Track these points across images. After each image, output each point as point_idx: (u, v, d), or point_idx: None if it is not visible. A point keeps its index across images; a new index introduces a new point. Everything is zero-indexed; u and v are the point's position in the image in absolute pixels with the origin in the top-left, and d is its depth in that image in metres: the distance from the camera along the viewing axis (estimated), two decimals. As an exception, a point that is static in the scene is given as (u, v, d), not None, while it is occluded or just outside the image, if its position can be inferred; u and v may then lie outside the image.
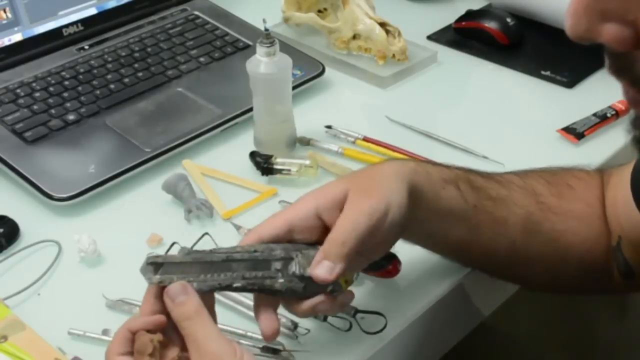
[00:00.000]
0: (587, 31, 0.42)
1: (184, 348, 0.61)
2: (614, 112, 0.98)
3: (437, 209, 0.71)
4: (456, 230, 0.74)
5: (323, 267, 0.63)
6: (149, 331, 0.60)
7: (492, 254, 0.76)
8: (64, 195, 0.86)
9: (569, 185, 0.76)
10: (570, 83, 1.07)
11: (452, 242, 0.76)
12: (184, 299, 0.60)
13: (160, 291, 0.61)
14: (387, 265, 0.75)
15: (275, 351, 0.70)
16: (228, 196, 0.88)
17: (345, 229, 0.64)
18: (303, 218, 0.66)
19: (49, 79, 1.02)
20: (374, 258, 0.70)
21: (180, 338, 0.61)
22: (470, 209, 0.72)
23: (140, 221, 0.86)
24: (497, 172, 0.76)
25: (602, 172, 0.79)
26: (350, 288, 0.75)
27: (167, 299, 0.60)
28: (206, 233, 0.81)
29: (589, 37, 0.42)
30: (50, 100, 0.99)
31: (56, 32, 1.08)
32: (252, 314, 0.73)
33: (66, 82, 1.02)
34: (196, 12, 1.17)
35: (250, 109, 0.94)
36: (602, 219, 0.76)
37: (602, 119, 0.98)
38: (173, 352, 0.60)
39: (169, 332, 0.62)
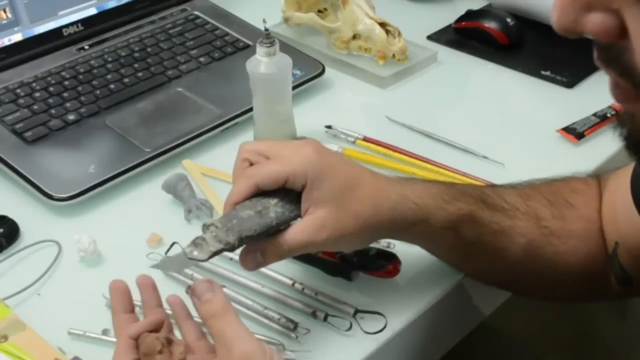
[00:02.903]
0: (573, 23, 0.41)
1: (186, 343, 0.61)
2: (614, 112, 0.98)
3: (427, 244, 0.74)
4: (448, 257, 0.76)
5: (253, 259, 0.66)
6: (151, 332, 0.60)
7: (487, 274, 0.77)
8: (64, 195, 0.86)
9: (569, 202, 0.76)
10: (570, 83, 1.07)
11: (444, 260, 0.77)
12: (210, 297, 0.59)
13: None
14: (387, 265, 0.75)
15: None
16: (228, 196, 0.88)
17: (297, 247, 0.66)
18: (297, 181, 0.67)
19: (49, 79, 1.02)
20: None
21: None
22: (467, 245, 0.72)
23: (140, 221, 0.86)
24: (503, 190, 0.75)
25: (599, 178, 0.79)
26: (350, 288, 0.76)
27: (194, 297, 0.60)
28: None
29: (575, 30, 0.42)
30: (50, 100, 0.99)
31: (56, 32, 1.08)
32: (252, 314, 0.73)
33: (66, 82, 1.01)
34: (196, 12, 1.17)
35: (250, 109, 0.94)
36: (601, 232, 0.76)
37: (602, 119, 0.98)
38: (179, 348, 0.60)
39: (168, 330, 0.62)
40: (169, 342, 0.60)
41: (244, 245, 0.66)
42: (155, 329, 0.61)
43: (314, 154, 0.68)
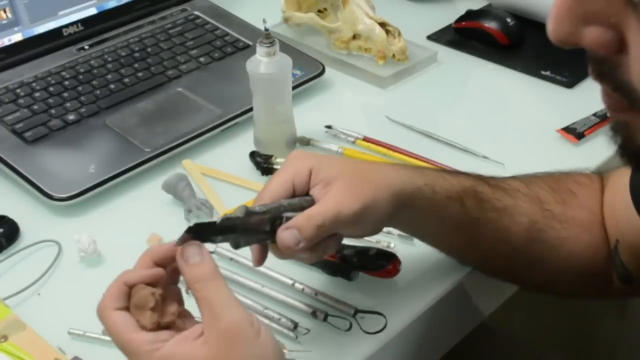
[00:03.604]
0: (569, 35, 0.42)
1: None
2: (613, 113, 0.98)
3: (436, 221, 0.72)
4: (455, 237, 0.74)
5: (291, 235, 0.64)
6: (147, 285, 0.57)
7: (491, 258, 0.76)
8: (64, 195, 0.86)
9: (572, 191, 0.76)
10: (570, 83, 1.07)
11: (450, 245, 0.76)
12: (198, 260, 0.57)
13: (160, 258, 0.59)
14: (387, 265, 0.75)
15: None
16: (228, 196, 0.88)
17: (328, 215, 0.65)
18: (302, 178, 0.67)
19: (49, 79, 1.02)
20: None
21: (174, 297, 0.60)
22: (472, 221, 0.72)
23: (140, 221, 0.86)
24: (504, 178, 0.76)
25: (602, 175, 0.80)
26: (350, 288, 0.76)
27: (181, 260, 0.57)
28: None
29: (571, 41, 0.42)
30: (50, 100, 0.99)
31: (56, 32, 1.08)
32: (252, 313, 0.73)
33: (66, 82, 1.02)
34: (196, 12, 1.17)
35: (250, 109, 0.94)
36: (603, 225, 0.76)
37: (602, 119, 0.98)
38: (173, 307, 0.57)
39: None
40: (164, 300, 0.57)
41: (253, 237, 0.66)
42: (154, 282, 0.58)
43: (303, 153, 0.70)
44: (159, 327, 0.56)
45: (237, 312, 0.55)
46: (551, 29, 0.42)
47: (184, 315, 0.59)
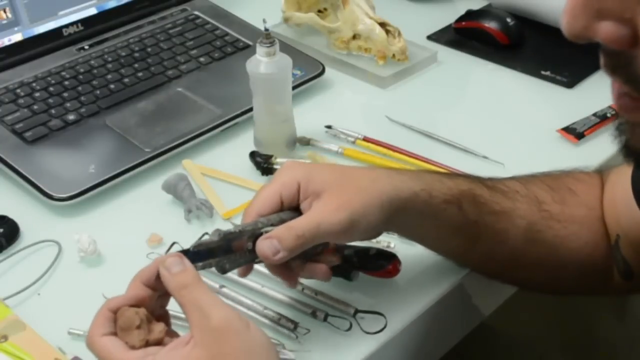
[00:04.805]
0: (583, 29, 0.42)
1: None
2: (614, 112, 0.98)
3: (433, 225, 0.72)
4: (453, 240, 0.74)
5: (270, 244, 0.65)
6: (131, 307, 0.58)
7: (490, 261, 0.76)
8: (64, 195, 0.86)
9: (570, 189, 0.76)
10: (570, 83, 1.07)
11: (449, 248, 0.76)
12: (181, 269, 0.58)
13: (148, 278, 0.60)
14: (387, 265, 0.75)
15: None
16: (228, 196, 0.88)
17: (308, 227, 0.65)
18: (290, 191, 0.68)
19: (49, 79, 1.02)
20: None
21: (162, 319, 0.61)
22: (470, 224, 0.72)
23: (140, 221, 0.86)
24: (503, 179, 0.76)
25: (601, 172, 0.80)
26: (350, 288, 0.76)
27: (163, 270, 0.58)
28: (206, 233, 0.81)
29: (586, 36, 0.42)
30: (50, 100, 0.99)
31: (56, 32, 1.08)
32: (252, 314, 0.73)
33: (66, 82, 1.02)
34: (196, 12, 1.17)
35: (250, 109, 0.94)
36: (603, 221, 0.76)
37: (602, 119, 0.98)
38: (159, 327, 0.58)
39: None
40: (149, 319, 0.58)
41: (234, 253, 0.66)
42: (137, 304, 0.59)
43: (294, 163, 0.71)
44: (147, 344, 0.57)
45: (225, 309, 0.57)
46: (565, 23, 0.43)
47: (172, 335, 0.60)
